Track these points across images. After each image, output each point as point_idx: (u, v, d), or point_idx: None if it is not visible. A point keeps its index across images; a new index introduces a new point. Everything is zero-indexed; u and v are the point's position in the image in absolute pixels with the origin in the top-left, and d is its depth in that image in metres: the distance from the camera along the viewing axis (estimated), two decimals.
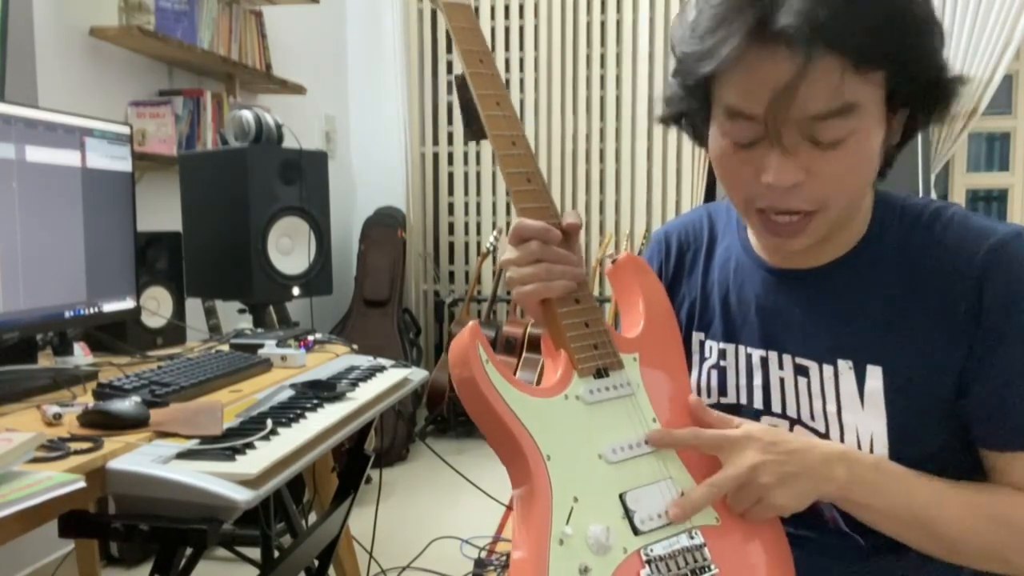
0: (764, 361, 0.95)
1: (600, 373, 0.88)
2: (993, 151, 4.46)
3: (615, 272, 0.99)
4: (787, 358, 0.93)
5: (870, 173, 0.84)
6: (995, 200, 4.31)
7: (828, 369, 0.90)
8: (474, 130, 0.97)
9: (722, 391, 0.99)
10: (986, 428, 0.85)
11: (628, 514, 0.81)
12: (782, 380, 0.94)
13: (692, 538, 0.82)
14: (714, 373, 0.99)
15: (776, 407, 0.94)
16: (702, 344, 1.01)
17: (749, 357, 0.97)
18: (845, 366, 0.89)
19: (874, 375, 0.87)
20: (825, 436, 0.91)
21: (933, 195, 3.77)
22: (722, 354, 0.99)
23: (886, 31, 0.75)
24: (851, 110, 0.76)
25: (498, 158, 0.93)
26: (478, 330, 0.85)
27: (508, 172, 0.92)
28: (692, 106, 0.88)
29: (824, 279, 0.91)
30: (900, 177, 3.23)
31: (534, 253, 0.88)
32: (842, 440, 0.90)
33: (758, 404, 0.96)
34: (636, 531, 0.80)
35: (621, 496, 0.82)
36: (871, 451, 0.88)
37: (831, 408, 0.90)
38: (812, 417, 0.92)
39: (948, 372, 0.85)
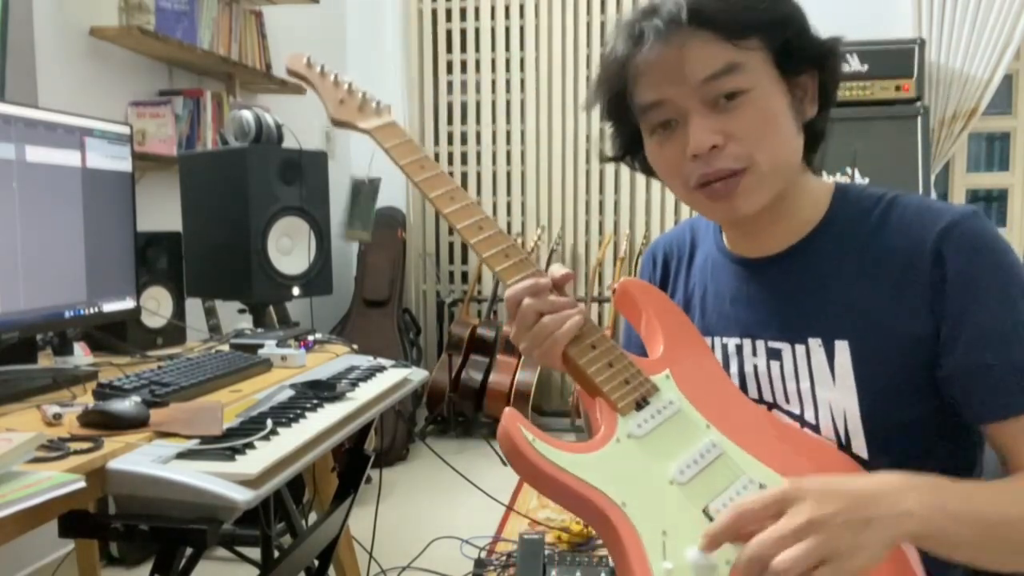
0: (739, 349, 1.00)
1: (640, 404, 0.90)
2: (993, 151, 4.46)
3: (619, 300, 1.03)
4: (760, 344, 0.98)
5: (785, 131, 0.90)
6: (995, 200, 4.31)
7: (800, 348, 0.94)
8: None
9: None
10: (979, 400, 0.86)
11: None
12: (755, 367, 0.98)
13: None
14: None
15: (752, 393, 0.99)
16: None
17: (725, 347, 1.02)
18: (815, 344, 0.93)
19: (842, 350, 0.91)
20: (800, 417, 0.95)
21: (933, 195, 3.76)
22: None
23: (748, 4, 0.86)
24: (736, 68, 0.86)
25: (472, 247, 0.98)
26: (515, 415, 0.86)
27: (487, 256, 0.97)
28: (626, 134, 0.97)
29: (786, 262, 0.97)
30: (900, 177, 3.23)
31: (532, 307, 0.90)
32: (816, 417, 0.94)
33: (736, 390, 1.00)
34: None
35: (705, 511, 0.81)
36: (845, 425, 0.92)
37: (804, 386, 0.94)
38: (787, 399, 0.96)
39: (913, 343, 0.88)
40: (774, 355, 0.97)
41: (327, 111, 1.12)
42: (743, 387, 1.00)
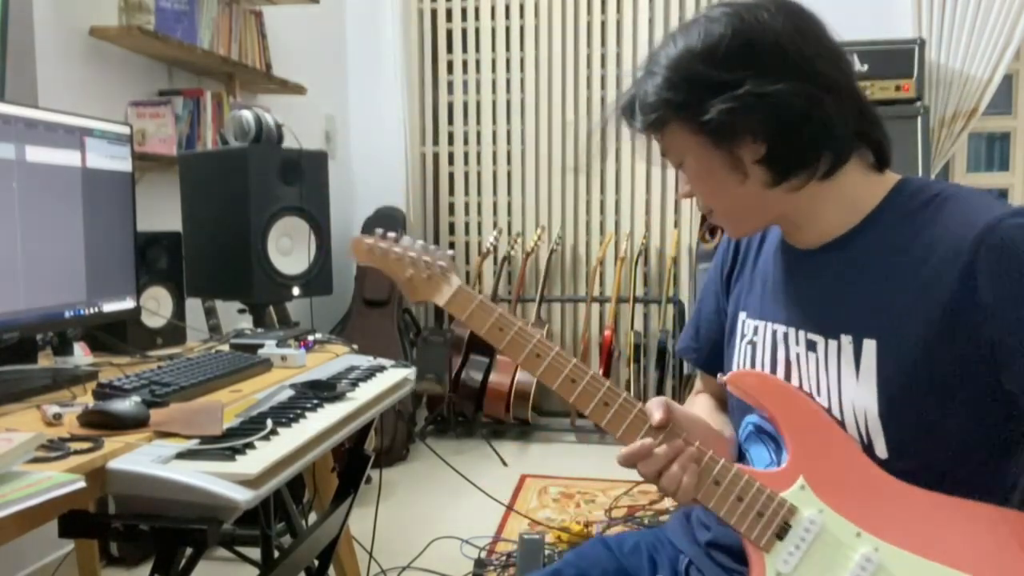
0: (785, 336, 1.02)
1: (782, 533, 0.89)
2: (993, 151, 4.46)
3: (733, 388, 1.03)
4: (801, 334, 1.00)
5: (725, 187, 0.97)
6: None
7: (832, 344, 0.96)
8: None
9: (752, 364, 1.06)
10: None
11: None
12: (797, 355, 1.00)
13: None
14: (748, 348, 1.07)
15: (794, 381, 1.01)
16: (744, 323, 1.10)
17: (774, 333, 1.04)
18: (846, 340, 0.94)
19: (869, 349, 0.92)
20: (828, 411, 0.96)
21: None
22: (755, 330, 1.07)
23: (653, 106, 0.96)
24: (667, 150, 1.01)
25: (571, 405, 1.01)
26: None
27: (589, 412, 0.99)
28: None
29: (828, 256, 0.99)
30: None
31: (649, 471, 0.95)
32: (841, 414, 0.94)
33: (780, 377, 1.03)
34: None
35: None
36: (866, 425, 0.92)
37: (833, 382, 0.95)
38: (819, 391, 0.97)
39: (934, 350, 0.88)
40: (811, 347, 0.98)
41: (406, 295, 1.18)
42: (787, 373, 1.01)
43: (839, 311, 0.96)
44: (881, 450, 0.92)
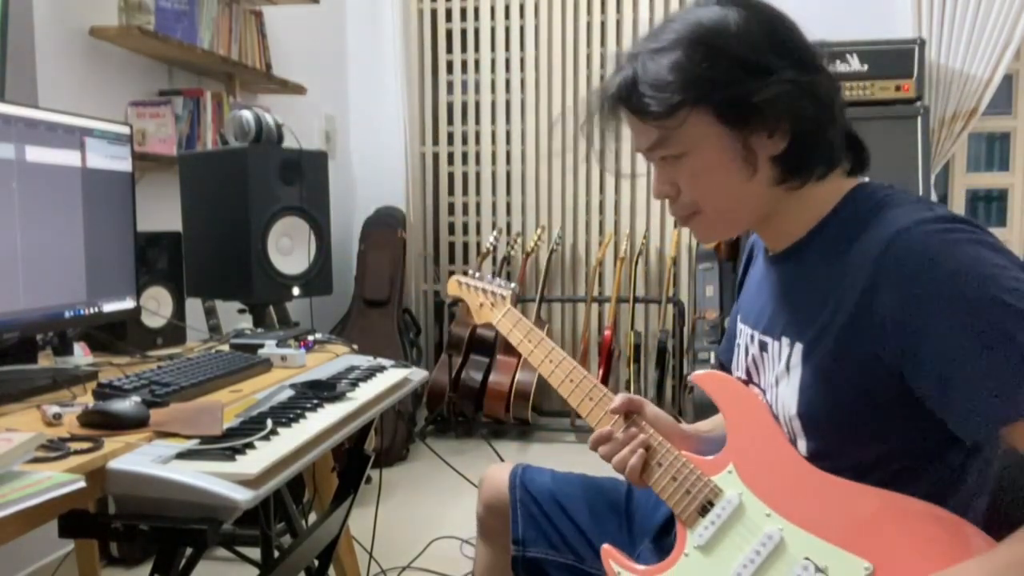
0: (752, 338, 1.07)
1: (704, 510, 0.98)
2: (993, 151, 4.46)
3: (697, 387, 1.12)
4: (757, 335, 1.04)
5: (727, 183, 0.94)
6: (995, 200, 4.31)
7: (775, 345, 1.00)
8: None
9: (737, 367, 1.12)
10: (962, 421, 0.83)
11: None
12: (754, 357, 1.05)
13: None
14: (737, 349, 1.12)
15: (755, 379, 1.06)
16: (737, 325, 1.14)
17: (747, 335, 1.09)
18: (785, 342, 0.98)
19: (797, 352, 0.95)
20: (772, 407, 1.00)
21: (933, 195, 3.76)
22: (739, 332, 1.12)
23: (661, 89, 0.91)
24: (664, 141, 0.95)
25: (567, 399, 1.20)
26: (611, 551, 1.05)
27: (577, 405, 1.17)
28: None
29: (783, 262, 1.02)
30: (900, 177, 3.23)
31: (604, 455, 1.11)
32: (777, 411, 0.99)
33: (744, 376, 1.09)
34: None
35: None
36: (790, 425, 0.96)
37: (772, 382, 1.00)
38: (767, 389, 1.02)
39: (849, 358, 0.88)
40: (763, 348, 1.03)
41: (474, 318, 1.47)
42: (749, 372, 1.06)
43: (782, 314, 0.99)
44: (803, 448, 0.96)
